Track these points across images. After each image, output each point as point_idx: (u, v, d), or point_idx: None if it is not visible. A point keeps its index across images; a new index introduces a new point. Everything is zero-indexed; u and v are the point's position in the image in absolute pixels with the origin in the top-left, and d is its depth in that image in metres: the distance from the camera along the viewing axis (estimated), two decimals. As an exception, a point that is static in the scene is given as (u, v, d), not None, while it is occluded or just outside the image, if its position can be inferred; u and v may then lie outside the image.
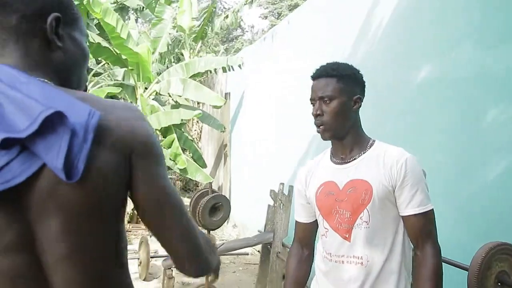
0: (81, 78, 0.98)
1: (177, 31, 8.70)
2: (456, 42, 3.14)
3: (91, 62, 8.21)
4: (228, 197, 7.75)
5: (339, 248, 1.56)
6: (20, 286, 0.79)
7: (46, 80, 0.84)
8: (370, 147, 1.59)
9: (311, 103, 1.60)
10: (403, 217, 1.51)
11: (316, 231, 1.75)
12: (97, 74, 8.50)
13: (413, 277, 1.57)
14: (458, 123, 3.06)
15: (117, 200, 0.86)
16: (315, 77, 1.61)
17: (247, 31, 28.73)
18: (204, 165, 8.16)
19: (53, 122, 0.74)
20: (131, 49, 6.92)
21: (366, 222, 1.50)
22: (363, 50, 4.30)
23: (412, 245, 1.58)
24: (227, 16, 10.17)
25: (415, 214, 1.48)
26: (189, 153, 8.30)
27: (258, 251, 5.55)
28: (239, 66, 7.71)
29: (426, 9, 3.51)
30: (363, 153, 1.57)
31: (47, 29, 0.86)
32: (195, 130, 10.85)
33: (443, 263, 2.42)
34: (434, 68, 3.33)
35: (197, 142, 10.39)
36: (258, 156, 7.12)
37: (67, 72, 0.93)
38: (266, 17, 25.84)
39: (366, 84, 1.65)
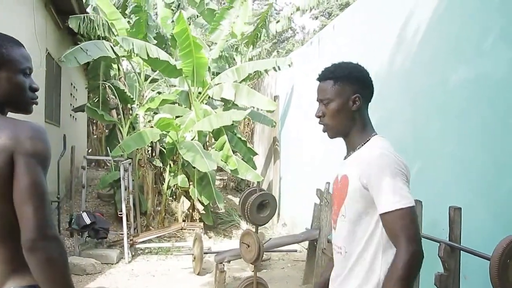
0: (23, 100, 1.46)
1: (230, 38, 8.95)
2: (492, 43, 3.22)
3: (148, 70, 8.70)
4: (277, 196, 7.99)
5: (333, 237, 1.71)
6: None
7: None
8: (365, 144, 1.62)
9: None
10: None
11: None
12: (154, 81, 9.00)
13: None
14: (495, 122, 3.15)
15: (7, 185, 1.31)
16: (318, 79, 1.72)
17: (297, 32, 28.81)
18: (254, 167, 8.43)
19: None
20: (194, 56, 7.33)
21: (344, 215, 1.59)
22: (402, 53, 4.43)
23: None
24: (278, 21, 10.34)
25: (383, 213, 1.46)
26: (240, 155, 8.58)
27: (307, 248, 5.74)
28: (289, 65, 7.85)
29: (462, 11, 3.61)
30: (357, 149, 1.63)
31: None
32: (246, 132, 11.13)
33: (467, 252, 2.57)
34: (471, 69, 3.42)
35: (248, 144, 10.66)
36: (306, 156, 7.31)
37: (6, 100, 1.43)
38: (316, 18, 25.81)
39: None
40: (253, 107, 8.79)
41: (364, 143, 1.63)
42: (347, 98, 1.62)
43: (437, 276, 2.70)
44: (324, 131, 1.71)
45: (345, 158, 1.71)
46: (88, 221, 5.92)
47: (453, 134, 3.61)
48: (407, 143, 4.09)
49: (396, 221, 1.43)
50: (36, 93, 1.51)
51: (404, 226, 1.42)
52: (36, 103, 1.51)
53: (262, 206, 3.89)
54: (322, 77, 1.69)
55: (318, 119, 1.71)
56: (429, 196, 3.33)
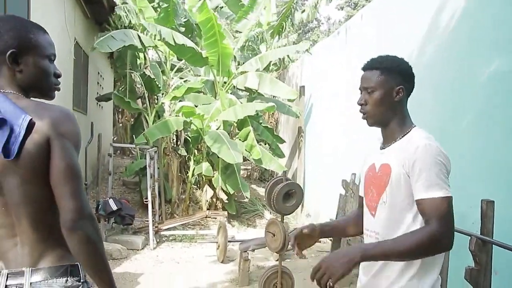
0: (48, 85, 1.49)
1: (255, 27, 8.91)
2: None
3: (174, 59, 8.73)
4: (302, 186, 7.96)
5: (367, 222, 1.76)
6: None
7: (13, 92, 1.40)
8: (406, 134, 1.68)
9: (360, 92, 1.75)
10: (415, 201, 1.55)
11: None
12: (179, 70, 9.03)
13: None
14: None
15: (42, 168, 1.35)
16: (363, 69, 1.75)
17: (323, 23, 28.51)
18: (282, 155, 8.42)
19: (1, 124, 1.32)
20: (219, 46, 7.35)
21: (385, 202, 1.64)
22: (431, 45, 4.34)
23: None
24: (303, 11, 10.24)
25: (419, 199, 1.52)
26: (268, 143, 8.58)
27: (331, 239, 5.72)
28: (307, 50, 7.89)
29: (494, 5, 3.51)
30: (399, 140, 1.68)
31: (7, 60, 1.39)
32: (270, 122, 11.10)
33: (500, 247, 2.52)
34: (500, 63, 3.32)
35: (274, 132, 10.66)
36: (331, 146, 7.26)
37: (31, 85, 1.45)
38: (342, 8, 25.47)
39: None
40: (276, 96, 8.78)
41: (405, 134, 1.68)
42: (391, 89, 1.67)
43: (467, 270, 2.66)
44: (364, 118, 1.75)
45: (382, 147, 1.76)
46: (114, 207, 6.02)
47: (482, 127, 3.52)
48: (434, 135, 4.02)
49: (431, 208, 1.49)
50: (63, 81, 1.54)
51: (439, 213, 1.48)
52: (59, 89, 1.55)
53: (288, 195, 3.87)
54: (368, 67, 1.73)
55: (360, 106, 1.74)
56: (457, 189, 3.26)
